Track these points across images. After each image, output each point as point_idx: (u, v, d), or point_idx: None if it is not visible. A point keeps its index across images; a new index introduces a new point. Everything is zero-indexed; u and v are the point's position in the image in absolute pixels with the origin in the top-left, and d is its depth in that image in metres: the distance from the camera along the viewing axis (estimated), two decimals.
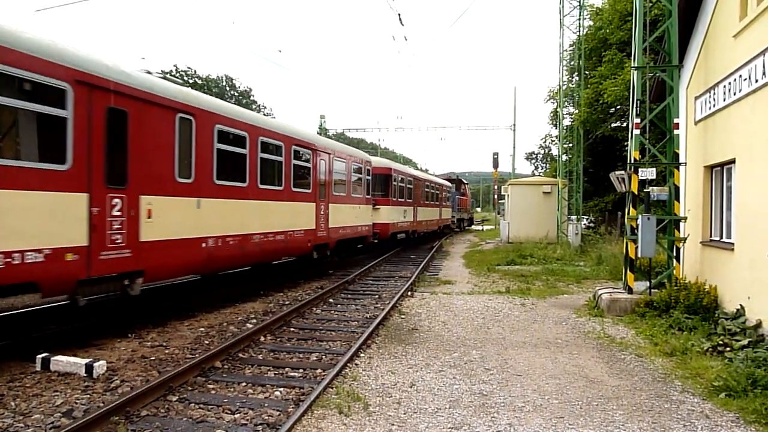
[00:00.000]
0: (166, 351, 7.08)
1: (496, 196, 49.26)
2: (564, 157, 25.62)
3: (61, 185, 6.22)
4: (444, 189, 32.05)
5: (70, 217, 6.32)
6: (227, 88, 68.65)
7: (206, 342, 7.56)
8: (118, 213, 7.03)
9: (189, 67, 66.22)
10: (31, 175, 5.88)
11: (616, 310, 9.66)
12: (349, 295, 11.78)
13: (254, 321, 8.95)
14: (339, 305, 10.63)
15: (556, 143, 30.47)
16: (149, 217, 7.59)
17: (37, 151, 6.04)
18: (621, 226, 20.77)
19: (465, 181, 44.12)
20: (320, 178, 13.27)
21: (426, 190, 26.69)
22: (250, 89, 71.45)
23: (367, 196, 17.17)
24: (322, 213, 13.40)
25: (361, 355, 6.99)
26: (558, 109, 26.02)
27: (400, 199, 21.74)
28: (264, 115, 60.97)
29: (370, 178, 17.52)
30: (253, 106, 68.42)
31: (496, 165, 41.58)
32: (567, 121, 27.05)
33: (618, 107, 22.30)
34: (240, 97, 68.66)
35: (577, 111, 23.91)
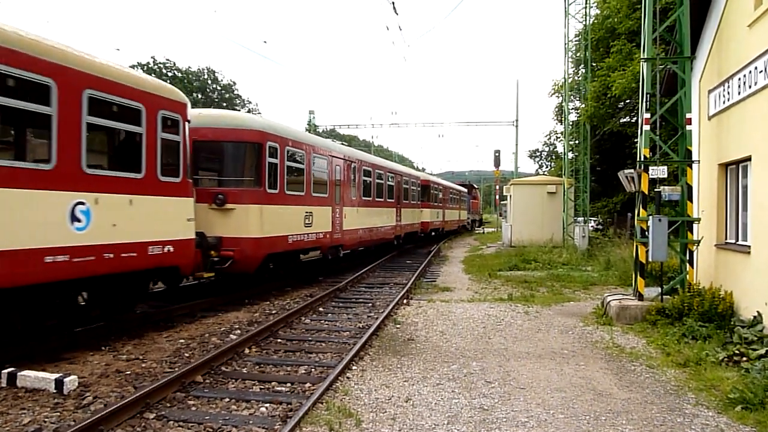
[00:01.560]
0: (143, 365, 7.04)
1: (497, 197, 49.40)
2: (570, 155, 25.72)
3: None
4: (462, 194, 41.91)
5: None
6: (209, 82, 68.48)
7: (186, 355, 7.52)
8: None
9: (168, 59, 65.98)
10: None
11: (625, 318, 9.70)
12: (340, 304, 11.77)
13: (238, 332, 8.93)
14: (330, 314, 10.62)
15: (561, 140, 30.63)
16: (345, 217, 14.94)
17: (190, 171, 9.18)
18: (631, 228, 20.89)
19: (475, 186, 53.15)
20: (396, 192, 22.08)
21: (450, 195, 35.96)
22: (234, 83, 71.36)
23: (421, 201, 26.30)
24: (396, 214, 22.22)
25: (354, 367, 6.99)
26: (563, 104, 26.13)
27: (434, 203, 29.96)
28: (248, 111, 60.79)
29: (419, 188, 25.74)
30: (237, 101, 68.32)
31: (497, 163, 41.73)
32: (573, 117, 27.19)
33: (627, 101, 22.43)
34: (222, 92, 68.53)
35: (583, 105, 24.02)
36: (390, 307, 10.58)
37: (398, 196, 22.30)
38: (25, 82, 6.22)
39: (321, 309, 11.07)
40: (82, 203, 6.90)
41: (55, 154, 6.53)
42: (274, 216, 11.72)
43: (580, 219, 24.94)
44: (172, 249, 8.58)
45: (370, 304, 11.62)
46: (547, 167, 49.12)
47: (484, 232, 47.51)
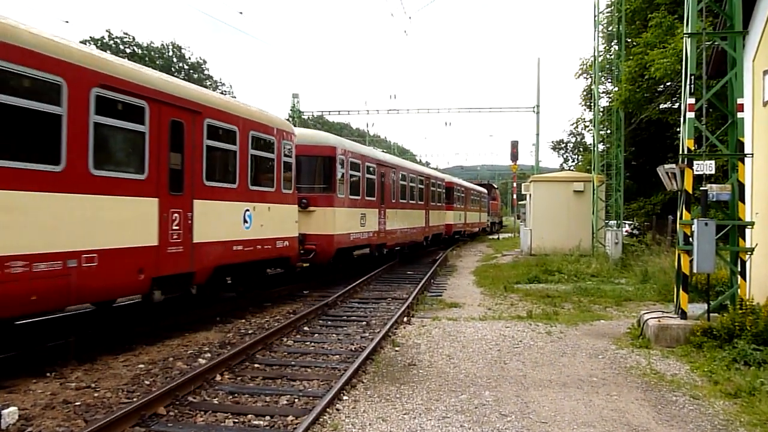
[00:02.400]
0: (96, 394, 7.04)
1: (514, 196, 49.49)
2: (600, 147, 25.79)
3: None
4: (482, 195, 46.88)
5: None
6: (174, 60, 68.47)
7: (147, 382, 7.53)
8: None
9: (126, 33, 65.99)
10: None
11: (665, 339, 9.74)
12: (329, 322, 11.80)
13: (208, 355, 8.94)
14: (316, 334, 10.64)
15: (590, 129, 30.67)
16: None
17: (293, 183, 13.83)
18: (672, 233, 20.92)
19: (495, 186, 57.73)
20: (425, 194, 26.63)
21: (471, 196, 41.36)
22: (204, 61, 71.46)
23: (446, 204, 31.30)
24: (425, 216, 26.48)
25: (344, 397, 7.01)
26: (592, 87, 26.23)
27: (457, 205, 35.17)
28: (221, 93, 60.81)
29: (443, 190, 30.98)
30: (207, 82, 68.33)
31: (515, 157, 41.68)
32: (604, 102, 27.28)
33: (668, 84, 22.53)
34: (190, 71, 68.55)
35: (616, 89, 24.09)
36: (388, 326, 10.60)
37: (426, 199, 27.37)
38: (227, 132, 11.23)
39: (306, 328, 11.09)
40: (248, 210, 11.89)
41: (238, 177, 11.57)
42: (342, 217, 16.60)
43: (613, 222, 24.99)
44: (287, 243, 13.62)
45: (363, 323, 11.65)
46: (573, 161, 49.25)
47: (499, 238, 47.58)
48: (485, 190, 50.23)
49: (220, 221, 10.90)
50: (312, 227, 15.60)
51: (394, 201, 21.95)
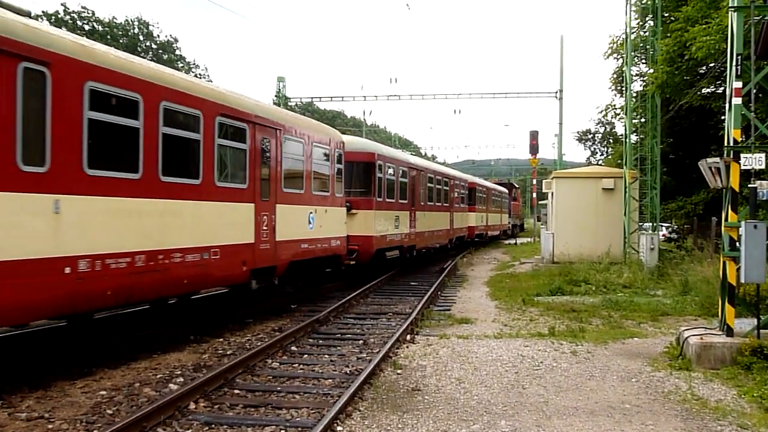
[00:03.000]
0: (50, 426, 7.00)
1: (534, 195, 49.50)
2: (633, 138, 25.78)
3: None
4: (503, 196, 50.67)
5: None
6: (141, 38, 68.50)
7: (109, 412, 7.49)
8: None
9: (84, 8, 66.04)
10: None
11: (709, 360, 9.71)
12: (320, 341, 11.78)
13: (180, 380, 8.90)
14: (306, 355, 10.61)
15: (621, 118, 30.65)
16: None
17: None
18: (716, 237, 20.87)
19: (516, 185, 60.67)
20: (449, 196, 30.32)
21: (493, 197, 45.19)
22: (175, 39, 71.47)
23: (468, 205, 35.69)
24: (450, 218, 30.33)
25: (339, 428, 6.98)
26: (624, 69, 26.19)
27: (479, 207, 39.23)
28: (196, 76, 60.91)
29: (466, 192, 35.18)
30: (179, 64, 68.36)
31: (534, 150, 41.76)
32: (638, 86, 27.29)
33: (711, 65, 22.50)
34: (159, 51, 68.56)
35: (651, 71, 24.07)
36: (388, 346, 10.57)
37: (450, 201, 30.96)
38: (297, 144, 14.73)
39: (294, 348, 11.06)
40: (311, 213, 15.31)
41: (304, 184, 14.96)
42: (380, 219, 20.32)
43: (648, 225, 24.96)
44: (339, 243, 17.13)
45: (360, 342, 11.62)
46: (601, 154, 49.23)
47: (516, 243, 47.57)
48: (506, 190, 53.83)
49: (293, 222, 14.48)
50: (355, 228, 18.91)
51: (422, 203, 25.50)
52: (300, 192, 14.82)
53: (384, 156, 20.97)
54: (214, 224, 11.35)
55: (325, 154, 16.32)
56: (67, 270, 8.31)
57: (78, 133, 8.53)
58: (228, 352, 10.67)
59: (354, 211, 18.91)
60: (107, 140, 9.21)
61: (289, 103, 48.80)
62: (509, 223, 55.36)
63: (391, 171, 21.38)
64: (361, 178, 19.84)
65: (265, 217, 13.19)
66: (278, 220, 13.70)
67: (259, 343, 11.15)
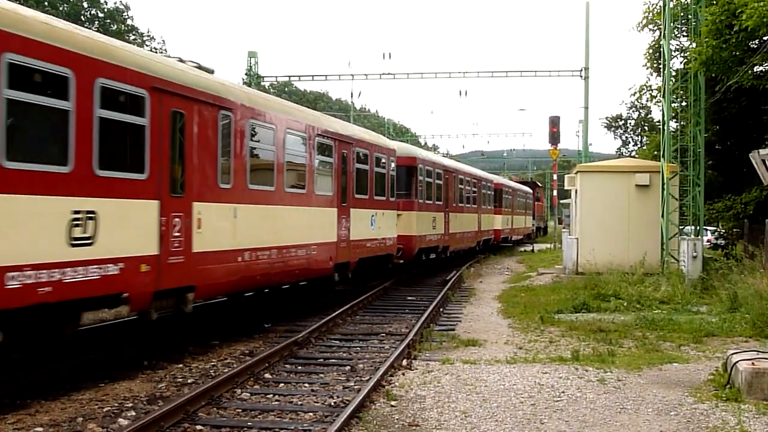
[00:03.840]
0: None
1: (555, 193, 49.60)
2: (673, 125, 25.87)
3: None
4: (528, 196, 58.49)
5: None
6: (85, 5, 68.30)
7: None
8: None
9: None
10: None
11: (762, 389, 9.75)
12: (299, 367, 11.79)
13: (132, 414, 8.92)
14: (282, 384, 10.64)
15: (658, 101, 30.76)
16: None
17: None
18: None
19: (539, 184, 67.67)
20: (477, 198, 36.77)
21: (518, 199, 52.80)
22: (126, 8, 71.16)
23: (494, 207, 41.79)
24: (477, 220, 36.68)
25: None
26: (662, 43, 26.32)
27: (505, 209, 46.17)
28: (152, 50, 60.92)
29: (492, 193, 41.47)
30: (131, 36, 68.23)
31: (555, 139, 41.69)
32: (678, 63, 27.37)
33: (766, 38, 22.61)
34: (107, 20, 68.38)
35: (694, 45, 24.19)
36: (380, 372, 10.59)
37: (479, 203, 37.56)
38: (365, 156, 20.97)
39: (268, 376, 11.09)
40: (373, 215, 21.32)
41: (369, 190, 20.98)
42: (421, 220, 25.90)
43: (690, 229, 25.05)
44: (391, 243, 22.50)
45: (347, 368, 11.64)
46: (635, 144, 49.51)
47: (533, 251, 47.64)
48: (530, 190, 61.48)
49: (361, 224, 20.20)
50: (400, 229, 24.14)
51: (455, 205, 31.74)
52: (365, 197, 20.76)
53: (424, 160, 27.02)
54: (313, 226, 17.01)
55: (384, 164, 22.39)
56: (240, 258, 13.59)
57: (243, 162, 13.92)
58: (189, 381, 10.68)
59: (399, 212, 23.97)
60: (259, 165, 14.75)
61: (263, 83, 48.73)
62: (533, 225, 61.80)
63: (429, 174, 27.13)
64: (404, 182, 25.30)
65: (343, 219, 18.88)
66: (352, 222, 19.47)
67: (226, 370, 11.14)
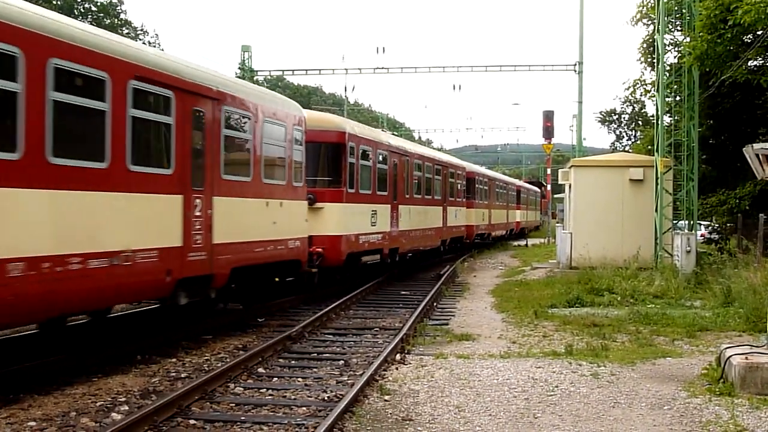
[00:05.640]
0: None
1: (548, 187, 49.68)
2: (667, 119, 25.89)
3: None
4: (537, 195, 69.19)
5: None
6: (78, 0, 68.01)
7: None
8: None
9: None
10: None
11: (756, 383, 9.76)
12: (292, 362, 11.79)
13: (125, 408, 8.90)
14: (276, 379, 10.63)
15: (652, 95, 30.78)
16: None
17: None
18: (766, 238, 21.02)
19: (544, 183, 71.21)
20: (515, 197, 56.77)
21: (530, 196, 65.23)
22: (120, 1, 70.91)
23: (516, 204, 56.54)
24: (509, 215, 53.88)
25: None
26: (656, 37, 26.32)
27: (524, 206, 58.96)
28: (143, 42, 60.72)
29: (515, 193, 55.75)
30: (124, 30, 68.03)
31: (549, 133, 41.75)
32: (672, 57, 27.39)
33: (760, 33, 22.63)
34: (100, 14, 68.15)
35: (689, 39, 24.19)
36: (374, 367, 10.60)
37: (518, 201, 53.58)
38: (425, 165, 28.64)
39: (261, 370, 11.08)
40: (444, 210, 30.94)
41: (433, 192, 29.38)
42: (476, 215, 38.05)
43: (683, 223, 25.09)
44: (296, 245, 16.86)
45: (341, 362, 11.64)
46: (629, 139, 49.48)
47: (527, 245, 47.71)
48: (538, 189, 70.87)
49: (415, 219, 25.71)
50: (318, 226, 22.85)
51: (485, 202, 41.66)
52: (429, 197, 28.23)
53: (358, 136, 20.64)
54: (373, 219, 21.70)
55: (280, 133, 16.09)
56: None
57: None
58: (182, 375, 10.66)
59: (450, 207, 27.49)
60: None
61: (256, 77, 48.66)
62: (541, 219, 72.33)
63: (365, 155, 21.10)
64: (458, 187, 29.08)
65: (394, 213, 23.56)
66: (400, 216, 24.24)
67: (219, 364, 11.14)
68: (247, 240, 14.37)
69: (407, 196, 25.17)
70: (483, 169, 47.63)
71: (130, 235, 10.91)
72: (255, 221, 14.71)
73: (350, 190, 19.50)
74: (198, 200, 12.59)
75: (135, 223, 11.09)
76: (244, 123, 14.54)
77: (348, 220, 19.44)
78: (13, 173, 8.81)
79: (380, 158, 22.55)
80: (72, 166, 9.82)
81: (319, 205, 18.33)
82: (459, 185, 34.43)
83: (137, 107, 11.08)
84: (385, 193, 22.85)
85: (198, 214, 12.56)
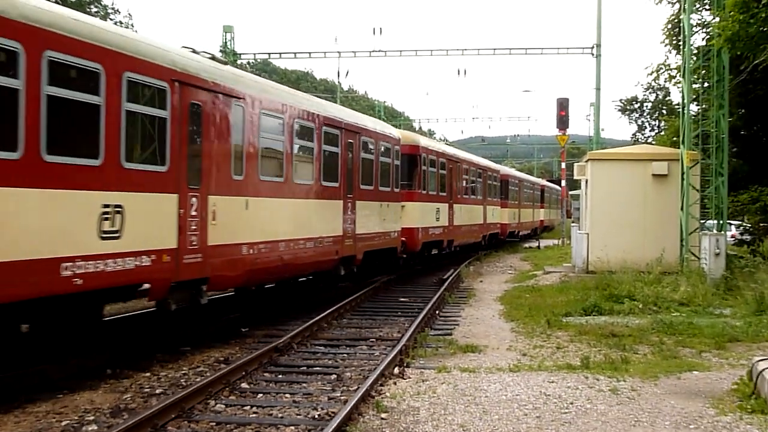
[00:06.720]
0: None
1: (563, 184, 49.68)
2: (693, 108, 25.87)
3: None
4: (558, 193, 71.36)
5: None
6: None
7: None
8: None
9: None
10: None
11: None
12: (279, 376, 11.77)
13: (93, 428, 8.88)
14: (261, 395, 10.61)
15: (677, 81, 30.76)
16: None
17: None
18: None
19: (563, 183, 79.43)
20: (540, 197, 67.96)
21: (553, 195, 72.68)
22: None
23: (540, 203, 67.65)
24: (537, 213, 67.50)
25: None
26: (682, 17, 26.33)
27: (546, 204, 70.22)
28: (115, 23, 60.78)
29: (539, 193, 67.14)
30: (92, 8, 67.91)
31: (563, 123, 41.66)
32: (699, 40, 27.36)
33: None
34: None
35: (718, 19, 24.18)
36: (370, 382, 10.56)
37: (542, 200, 61.47)
38: (474, 171, 39.20)
39: (245, 385, 11.06)
40: (483, 209, 40.59)
41: (479, 193, 39.91)
42: (508, 214, 47.99)
43: (712, 223, 25.08)
44: (395, 236, 24.71)
45: (333, 376, 11.62)
46: (652, 130, 49.55)
47: (539, 247, 47.72)
48: (560, 188, 78.39)
49: (464, 215, 33.94)
50: (496, 219, 41.51)
51: (515, 203, 50.44)
52: (476, 197, 36.44)
53: (427, 148, 29.23)
54: (435, 215, 29.44)
55: (387, 151, 24.21)
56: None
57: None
58: (157, 391, 10.63)
59: (489, 207, 34.50)
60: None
61: (240, 61, 48.63)
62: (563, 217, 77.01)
63: (432, 163, 29.41)
64: (497, 189, 35.83)
65: (450, 211, 31.28)
66: (456, 214, 32.01)
67: (198, 379, 11.11)
68: (371, 231, 22.12)
69: (459, 196, 33.45)
70: (514, 171, 60.45)
71: (322, 225, 18.51)
72: (375, 217, 22.62)
73: (422, 192, 27.70)
74: (350, 203, 20.40)
75: (323, 220, 18.71)
76: (387, 150, 23.92)
77: (422, 216, 27.57)
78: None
79: (441, 165, 30.55)
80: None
81: (401, 203, 25.59)
82: (495, 186, 43.62)
83: (299, 138, 17.60)
84: (444, 194, 30.93)
85: (350, 213, 20.35)
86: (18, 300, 9.70)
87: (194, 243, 13.05)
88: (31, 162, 9.69)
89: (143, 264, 11.81)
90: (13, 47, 9.44)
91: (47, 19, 10.08)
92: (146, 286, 12.19)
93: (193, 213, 13.05)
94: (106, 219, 10.97)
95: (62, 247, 10.18)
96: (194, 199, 13.08)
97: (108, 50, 11.18)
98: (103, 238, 10.93)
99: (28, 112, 9.61)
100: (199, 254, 13.22)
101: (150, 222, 12.11)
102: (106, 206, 10.98)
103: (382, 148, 23.35)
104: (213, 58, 15.12)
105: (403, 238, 25.08)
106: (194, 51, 14.55)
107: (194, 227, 13.05)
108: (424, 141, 29.96)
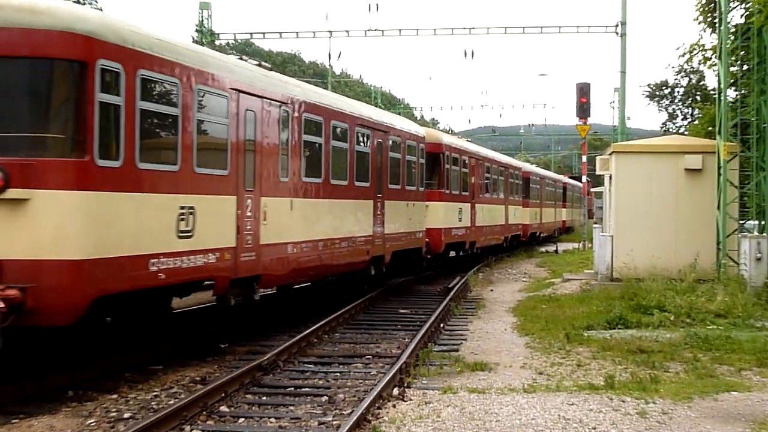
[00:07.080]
0: None
1: (584, 179, 49.68)
2: (731, 94, 25.83)
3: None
4: (581, 191, 72.43)
5: None
6: None
7: None
8: None
9: None
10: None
11: None
12: (263, 398, 11.77)
13: None
14: (242, 419, 10.62)
15: (713, 64, 30.79)
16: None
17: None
18: None
19: (589, 179, 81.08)
20: (561, 195, 72.08)
21: (575, 194, 77.26)
22: None
23: (562, 202, 72.43)
24: (557, 213, 72.86)
25: None
26: None
27: (568, 203, 75.18)
28: (77, 2, 60.74)
29: (561, 191, 71.75)
30: None
31: (584, 111, 41.65)
32: (737, 17, 27.35)
33: None
34: None
35: None
36: (365, 404, 10.54)
37: (564, 198, 67.44)
38: (497, 170, 43.67)
39: (224, 409, 11.04)
40: (505, 209, 45.24)
41: (501, 192, 43.88)
42: (530, 214, 51.96)
43: (753, 224, 25.05)
44: (421, 236, 27.63)
45: (324, 398, 11.62)
46: (684, 118, 49.59)
47: (557, 251, 47.70)
48: (580, 185, 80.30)
49: (486, 215, 37.20)
50: (518, 219, 45.78)
51: (536, 201, 52.51)
52: (496, 196, 39.49)
53: (450, 146, 31.80)
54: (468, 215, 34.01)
55: (413, 150, 26.71)
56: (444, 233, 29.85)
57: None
58: (125, 415, 10.61)
59: (511, 207, 36.88)
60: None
61: (218, 41, 48.59)
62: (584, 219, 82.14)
63: (455, 161, 32.14)
64: (518, 187, 38.14)
65: (472, 210, 33.43)
66: (477, 213, 34.39)
67: (171, 402, 11.08)
68: (398, 231, 24.44)
69: (481, 195, 36.36)
70: (536, 168, 64.87)
71: (355, 225, 21.06)
72: (402, 217, 24.85)
73: (446, 191, 30.15)
74: (379, 203, 22.87)
75: (356, 220, 21.29)
76: (412, 149, 26.37)
77: (445, 216, 30.04)
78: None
79: (463, 163, 33.25)
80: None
81: (426, 203, 27.76)
82: (517, 185, 46.76)
83: (392, 150, 24.21)
84: (467, 193, 33.69)
85: (379, 213, 22.75)
86: (119, 292, 11.89)
87: (249, 242, 15.40)
88: (129, 169, 12.01)
89: (209, 261, 14.11)
90: (116, 68, 11.72)
91: (139, 41, 12.35)
92: (210, 281, 14.64)
93: (249, 214, 15.41)
94: (183, 219, 13.26)
95: (150, 244, 12.45)
96: (249, 201, 15.44)
97: (183, 66, 13.45)
98: (180, 237, 13.22)
99: (127, 125, 11.94)
100: (253, 252, 15.56)
101: (215, 222, 14.35)
102: (182, 208, 13.26)
103: (408, 147, 25.70)
104: (259, 65, 17.61)
105: (427, 239, 27.26)
106: (241, 58, 17.19)
107: (249, 227, 15.39)
108: (446, 138, 32.40)
